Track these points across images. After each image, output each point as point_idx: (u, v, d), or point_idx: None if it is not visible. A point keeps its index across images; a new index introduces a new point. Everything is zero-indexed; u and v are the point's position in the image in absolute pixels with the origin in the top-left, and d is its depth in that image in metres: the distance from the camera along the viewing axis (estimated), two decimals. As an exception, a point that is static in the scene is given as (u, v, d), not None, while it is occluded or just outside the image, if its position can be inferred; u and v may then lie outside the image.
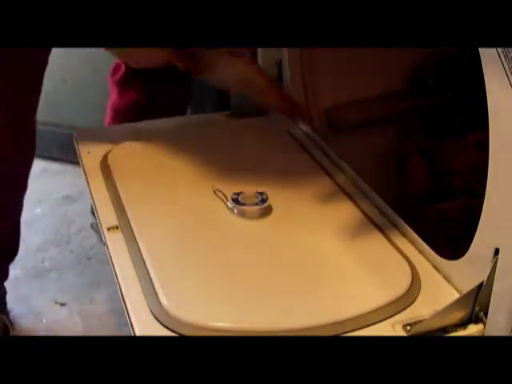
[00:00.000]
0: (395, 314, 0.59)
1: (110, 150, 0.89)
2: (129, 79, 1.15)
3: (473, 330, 0.58)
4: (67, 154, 1.62)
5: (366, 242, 0.71)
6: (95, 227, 1.33)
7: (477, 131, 0.79)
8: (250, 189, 0.76)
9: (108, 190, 0.80)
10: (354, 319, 0.58)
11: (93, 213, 1.34)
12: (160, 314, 0.59)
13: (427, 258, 0.67)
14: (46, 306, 1.17)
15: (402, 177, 0.94)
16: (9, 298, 1.16)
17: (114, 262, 0.67)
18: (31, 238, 1.37)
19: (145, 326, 0.58)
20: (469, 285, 0.57)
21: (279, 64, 1.01)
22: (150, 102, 1.16)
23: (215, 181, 0.80)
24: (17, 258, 1.30)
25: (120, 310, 0.62)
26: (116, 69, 1.16)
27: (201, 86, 1.32)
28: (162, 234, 0.72)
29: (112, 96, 1.19)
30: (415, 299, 0.61)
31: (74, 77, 1.50)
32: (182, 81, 1.19)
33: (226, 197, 0.76)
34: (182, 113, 1.24)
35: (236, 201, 0.75)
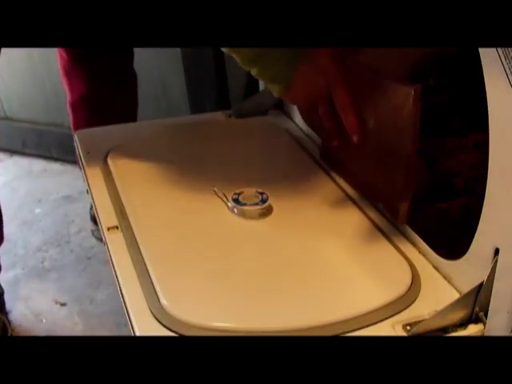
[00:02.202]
0: (395, 314, 0.59)
1: (109, 150, 0.89)
2: (72, 68, 1.16)
3: (473, 330, 0.58)
4: (67, 154, 1.62)
5: (365, 242, 0.71)
6: (96, 234, 1.33)
7: (477, 131, 0.79)
8: (250, 189, 0.76)
9: (108, 190, 0.81)
10: (354, 319, 0.58)
11: (93, 219, 1.35)
12: (160, 314, 0.59)
13: (427, 258, 0.67)
14: (46, 306, 1.17)
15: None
16: (9, 298, 1.16)
17: (113, 261, 0.67)
18: (31, 237, 1.37)
19: (145, 326, 0.58)
20: (469, 285, 0.57)
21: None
22: (98, 90, 1.17)
23: (215, 181, 0.80)
24: (17, 258, 1.30)
25: (120, 309, 0.62)
26: (60, 59, 1.17)
27: (200, 84, 1.33)
28: (161, 234, 0.72)
29: (67, 94, 1.20)
30: (415, 299, 0.61)
31: (74, 77, 1.50)
32: (125, 63, 1.20)
33: (226, 197, 0.76)
34: (134, 98, 1.25)
35: (236, 201, 0.75)
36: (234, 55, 0.70)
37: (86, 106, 1.19)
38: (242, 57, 0.70)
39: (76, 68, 1.16)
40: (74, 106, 1.21)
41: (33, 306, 1.17)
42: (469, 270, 0.59)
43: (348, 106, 0.71)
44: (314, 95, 0.73)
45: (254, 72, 0.72)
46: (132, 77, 1.23)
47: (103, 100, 1.18)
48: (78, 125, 1.20)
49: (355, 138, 0.72)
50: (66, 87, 1.20)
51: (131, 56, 1.20)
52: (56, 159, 1.70)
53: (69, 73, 1.17)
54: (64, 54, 1.15)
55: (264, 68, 0.71)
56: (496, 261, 0.55)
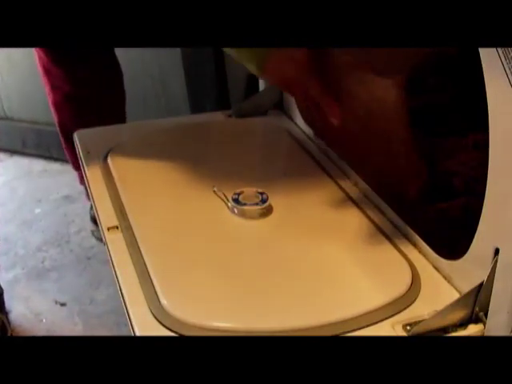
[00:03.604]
0: (395, 314, 0.59)
1: (109, 150, 0.89)
2: (53, 68, 1.13)
3: (473, 329, 0.58)
4: (67, 154, 1.62)
5: (365, 241, 0.71)
6: (96, 234, 1.33)
7: (477, 131, 0.79)
8: (250, 189, 0.76)
9: (108, 190, 0.81)
10: (354, 319, 0.58)
11: (93, 219, 1.35)
12: (160, 314, 0.59)
13: (427, 258, 0.67)
14: (45, 306, 1.17)
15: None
16: (9, 298, 1.16)
17: (113, 262, 0.67)
18: (31, 237, 1.37)
19: (145, 325, 0.58)
20: (469, 285, 0.57)
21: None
22: (80, 89, 1.15)
23: (215, 181, 0.80)
24: (17, 258, 1.30)
25: (120, 309, 0.62)
26: (39, 59, 1.14)
27: (200, 84, 1.33)
28: (162, 234, 0.72)
29: (48, 95, 1.19)
30: (415, 299, 0.61)
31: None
32: (108, 62, 1.17)
33: (226, 197, 0.76)
34: (120, 95, 1.23)
35: (236, 201, 0.75)
36: None
37: (70, 105, 1.16)
38: None
39: (56, 68, 1.13)
40: (57, 106, 1.18)
41: (33, 306, 1.17)
42: (469, 270, 0.59)
43: (324, 91, 0.73)
44: (290, 75, 0.76)
45: (231, 52, 0.75)
46: (116, 73, 1.20)
47: (87, 99, 1.15)
48: (63, 124, 1.18)
49: (335, 121, 0.72)
50: (46, 87, 1.17)
51: (113, 53, 1.17)
52: (56, 159, 1.70)
53: (49, 73, 1.14)
54: (42, 55, 1.12)
55: (240, 50, 0.74)
56: (496, 261, 0.55)
